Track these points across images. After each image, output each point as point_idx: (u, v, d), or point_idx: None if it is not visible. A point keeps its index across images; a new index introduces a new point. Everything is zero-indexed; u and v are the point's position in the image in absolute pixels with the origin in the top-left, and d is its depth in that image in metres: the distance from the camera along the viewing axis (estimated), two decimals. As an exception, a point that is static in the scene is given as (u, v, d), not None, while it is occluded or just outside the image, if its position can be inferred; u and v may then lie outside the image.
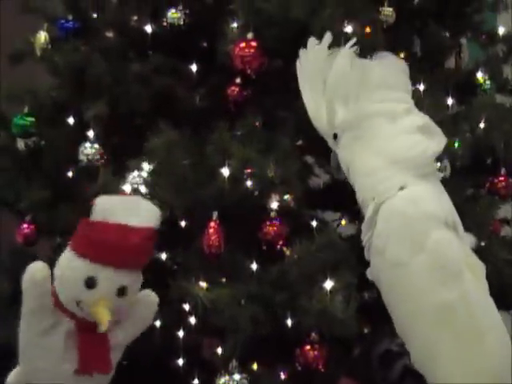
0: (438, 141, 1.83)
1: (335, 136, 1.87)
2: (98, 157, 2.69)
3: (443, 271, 1.70)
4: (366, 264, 1.89)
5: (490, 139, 2.80)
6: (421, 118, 1.83)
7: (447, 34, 3.02)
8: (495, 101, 2.88)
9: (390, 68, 1.86)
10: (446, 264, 1.71)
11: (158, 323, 2.68)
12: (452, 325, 1.70)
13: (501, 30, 3.04)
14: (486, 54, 2.99)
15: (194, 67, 2.85)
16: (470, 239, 1.83)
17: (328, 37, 1.87)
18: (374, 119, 1.82)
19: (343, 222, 3.04)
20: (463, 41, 3.11)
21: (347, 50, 1.84)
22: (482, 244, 2.68)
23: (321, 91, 1.86)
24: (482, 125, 2.78)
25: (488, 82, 2.91)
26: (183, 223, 2.61)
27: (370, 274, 1.82)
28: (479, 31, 3.06)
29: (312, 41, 1.87)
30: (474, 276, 1.76)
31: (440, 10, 3.02)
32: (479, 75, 2.91)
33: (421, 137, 1.80)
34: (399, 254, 1.72)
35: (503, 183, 2.80)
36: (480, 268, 1.81)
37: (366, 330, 2.62)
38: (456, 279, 1.71)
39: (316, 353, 2.47)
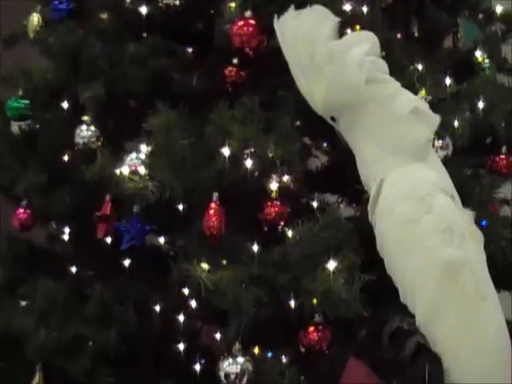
0: (430, 122, 1.78)
1: (333, 119, 1.79)
2: (95, 139, 2.58)
3: (449, 231, 1.71)
4: (370, 244, 1.86)
5: (491, 118, 2.72)
6: (410, 101, 1.77)
7: (444, 14, 2.94)
8: (495, 80, 2.79)
9: (371, 46, 1.73)
10: (452, 226, 1.71)
11: (157, 308, 2.61)
12: (457, 282, 1.70)
13: (498, 9, 2.95)
14: (483, 33, 2.90)
15: (190, 48, 2.75)
16: (469, 213, 1.82)
17: (311, 11, 1.73)
18: (364, 104, 1.73)
19: (341, 204, 2.95)
20: (460, 21, 3.02)
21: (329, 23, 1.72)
22: (484, 224, 2.62)
23: (297, 70, 1.75)
24: (481, 104, 2.72)
25: (487, 61, 2.82)
26: (182, 206, 2.52)
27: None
28: (476, 10, 2.97)
29: (291, 12, 1.75)
30: (474, 243, 1.76)
31: (437, -10, 2.94)
32: (478, 54, 2.82)
33: (413, 121, 1.75)
34: (408, 212, 1.71)
35: (504, 162, 2.73)
36: (480, 237, 1.81)
37: (369, 312, 2.53)
38: (461, 241, 1.72)
39: (320, 334, 2.39)
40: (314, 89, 1.73)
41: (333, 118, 1.79)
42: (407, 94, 1.79)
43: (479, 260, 1.77)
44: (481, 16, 2.96)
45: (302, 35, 1.72)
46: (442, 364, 1.73)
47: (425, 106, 1.79)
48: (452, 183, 1.83)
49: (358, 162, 1.80)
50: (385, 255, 1.80)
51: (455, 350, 1.72)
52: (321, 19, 1.73)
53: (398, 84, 1.78)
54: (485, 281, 1.77)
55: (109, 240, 2.60)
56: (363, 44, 1.72)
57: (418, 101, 1.81)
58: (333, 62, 1.69)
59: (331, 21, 1.72)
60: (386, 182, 1.75)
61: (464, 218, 1.79)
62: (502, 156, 2.73)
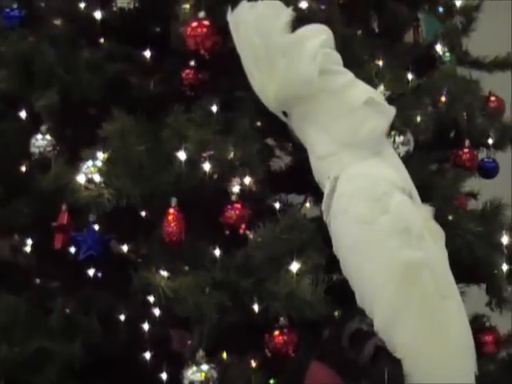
0: (386, 113, 1.72)
1: (285, 114, 1.74)
2: (51, 148, 2.51)
3: (407, 232, 1.64)
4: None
5: (453, 112, 2.68)
6: (364, 92, 1.71)
7: (404, 8, 2.89)
8: (456, 73, 2.75)
9: (325, 38, 1.68)
10: (409, 226, 1.65)
11: (122, 317, 2.54)
12: (417, 285, 1.64)
13: (458, 2, 2.90)
14: (444, 26, 2.85)
15: (147, 52, 2.68)
16: (428, 208, 1.75)
17: (265, 3, 1.66)
18: (316, 96, 1.67)
19: (307, 204, 2.90)
20: (420, 15, 2.98)
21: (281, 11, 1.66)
22: (450, 217, 2.57)
23: (254, 63, 1.69)
24: (443, 98, 2.67)
25: (447, 55, 2.77)
26: (143, 212, 2.46)
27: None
28: (436, 4, 2.93)
29: (245, 4, 1.68)
30: (435, 241, 1.70)
31: (396, -16, 2.89)
32: (438, 48, 2.77)
33: (368, 111, 1.68)
34: (364, 213, 1.64)
35: (468, 155, 2.68)
36: (440, 234, 1.75)
37: (336, 313, 2.48)
38: (420, 241, 1.66)
39: (285, 338, 2.33)
40: (267, 82, 1.67)
41: (285, 114, 1.73)
42: (362, 84, 1.73)
43: (439, 259, 1.71)
44: (441, 9, 2.92)
45: (256, 27, 1.66)
46: (401, 366, 1.69)
47: (380, 97, 1.74)
48: (410, 179, 1.77)
49: (311, 158, 1.74)
50: (340, 257, 1.73)
51: (416, 353, 1.66)
52: (276, 11, 1.67)
53: (351, 75, 1.71)
54: (446, 280, 1.71)
55: (72, 250, 2.54)
56: (317, 36, 1.66)
57: (373, 92, 1.75)
58: (286, 54, 1.64)
59: (286, 13, 1.67)
60: (340, 180, 1.68)
61: (423, 215, 1.73)
62: (466, 150, 2.69)
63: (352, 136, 1.68)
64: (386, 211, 1.65)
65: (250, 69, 1.72)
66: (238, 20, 1.70)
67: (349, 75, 1.71)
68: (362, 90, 1.71)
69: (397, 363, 1.68)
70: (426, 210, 1.75)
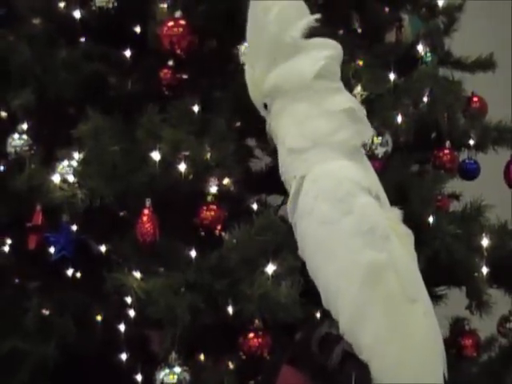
0: (363, 130, 1.70)
1: (265, 106, 1.73)
2: (27, 148, 2.46)
3: (371, 233, 1.61)
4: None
5: (434, 112, 2.62)
6: (347, 101, 1.69)
7: (386, 9, 2.83)
8: (437, 73, 2.69)
9: (334, 53, 1.70)
10: (373, 227, 1.62)
11: (98, 317, 2.49)
12: (381, 286, 1.60)
13: (440, 2, 2.84)
14: (426, 26, 2.79)
15: (125, 52, 2.62)
16: (397, 211, 1.71)
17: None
18: (302, 92, 1.66)
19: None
20: (404, 15, 2.91)
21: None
22: (430, 220, 2.51)
23: (261, 52, 1.68)
24: (425, 98, 2.61)
25: (429, 55, 2.71)
26: (117, 212, 2.41)
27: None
28: (419, 4, 2.86)
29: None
30: (402, 243, 1.66)
31: (378, -16, 2.83)
32: (420, 48, 2.71)
33: (345, 121, 1.67)
34: (328, 213, 1.61)
35: (448, 156, 2.62)
36: (408, 237, 1.70)
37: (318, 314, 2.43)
38: (384, 242, 1.62)
39: (260, 340, 2.26)
40: (266, 70, 1.67)
41: (266, 107, 1.71)
42: (348, 95, 1.73)
43: (407, 261, 1.66)
44: (423, 9, 2.86)
45: (278, 17, 1.65)
46: (369, 371, 1.63)
47: (362, 113, 1.71)
48: (378, 181, 1.73)
49: (280, 151, 1.71)
50: (306, 258, 1.70)
51: (381, 355, 1.62)
52: (301, 12, 1.68)
53: (341, 85, 1.71)
54: (414, 283, 1.66)
55: (52, 250, 2.49)
56: (328, 49, 1.68)
57: (357, 105, 1.72)
58: (295, 51, 1.65)
59: (309, 19, 1.68)
60: (306, 179, 1.65)
61: (391, 218, 1.69)
62: (446, 151, 2.62)
63: (323, 137, 1.66)
64: (350, 212, 1.62)
65: (252, 55, 1.73)
66: (259, 11, 1.68)
67: (339, 84, 1.71)
68: (345, 99, 1.70)
69: (364, 367, 1.64)
70: (395, 213, 1.70)
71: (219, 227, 2.33)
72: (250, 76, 1.73)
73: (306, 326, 2.21)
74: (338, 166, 1.64)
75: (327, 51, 1.67)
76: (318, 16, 1.68)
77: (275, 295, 2.21)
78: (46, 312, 2.48)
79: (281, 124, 1.69)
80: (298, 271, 2.27)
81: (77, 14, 2.61)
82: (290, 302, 2.21)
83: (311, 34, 1.71)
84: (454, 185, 2.80)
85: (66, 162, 2.34)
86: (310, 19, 1.67)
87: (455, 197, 2.87)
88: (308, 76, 1.65)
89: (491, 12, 3.54)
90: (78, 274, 2.54)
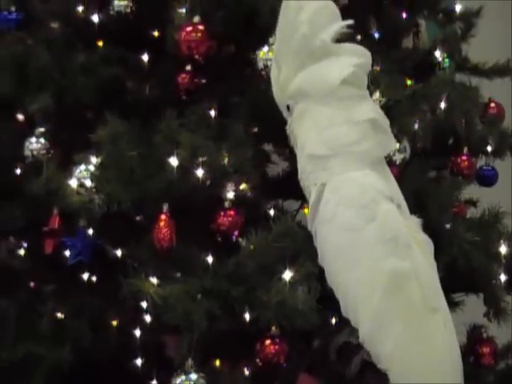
0: (386, 141, 1.65)
1: (288, 108, 1.67)
2: (45, 152, 2.43)
3: (395, 241, 1.57)
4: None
5: (451, 118, 2.57)
6: (371, 111, 1.64)
7: (404, 14, 2.78)
8: (454, 79, 2.64)
9: (364, 61, 1.65)
10: (396, 235, 1.58)
11: (113, 322, 2.46)
12: (403, 295, 1.57)
13: (458, 8, 2.80)
14: (443, 32, 2.75)
15: (143, 56, 2.59)
16: (416, 220, 1.67)
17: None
18: (326, 98, 1.61)
19: (305, 210, 2.80)
20: (421, 20, 2.87)
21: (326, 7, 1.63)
22: (447, 226, 2.47)
23: (290, 53, 1.63)
24: (442, 104, 2.57)
25: (447, 61, 2.66)
26: (135, 218, 2.37)
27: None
28: (436, 9, 2.82)
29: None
30: (422, 252, 1.62)
31: (396, -10, 2.79)
32: (437, 54, 2.66)
33: (368, 131, 1.62)
34: (352, 220, 1.57)
35: (466, 163, 2.57)
36: (429, 246, 1.67)
37: (331, 321, 2.38)
38: (407, 251, 1.58)
39: (277, 347, 2.21)
40: (294, 72, 1.63)
41: (289, 109, 1.66)
42: (372, 104, 1.69)
43: (427, 270, 1.62)
44: (440, 15, 2.81)
45: (311, 18, 1.62)
46: (388, 381, 1.59)
47: (386, 123, 1.66)
48: (399, 190, 1.69)
49: (300, 156, 1.66)
50: (325, 266, 1.66)
51: (401, 365, 1.58)
52: (334, 16, 1.65)
53: (367, 94, 1.67)
54: (434, 292, 1.62)
55: (67, 253, 2.46)
56: (358, 56, 1.64)
57: (382, 115, 1.67)
58: (325, 54, 1.61)
59: (340, 24, 1.64)
60: (327, 187, 1.61)
61: (411, 227, 1.65)
62: (464, 157, 2.58)
63: (345, 146, 1.61)
64: (374, 219, 1.58)
65: (280, 55, 1.67)
66: (291, 11, 1.64)
67: (365, 92, 1.66)
68: (370, 108, 1.65)
69: (383, 377, 1.60)
70: (415, 222, 1.66)
71: (236, 233, 2.29)
72: (276, 76, 1.68)
73: (323, 334, 2.17)
74: (362, 174, 1.60)
75: (357, 58, 1.62)
76: (349, 22, 1.64)
77: (292, 302, 2.16)
78: (61, 316, 2.45)
79: (302, 128, 1.65)
80: (315, 277, 2.24)
81: (95, 18, 2.58)
82: (307, 309, 2.17)
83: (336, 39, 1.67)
84: (471, 191, 2.76)
85: (83, 167, 2.30)
86: (341, 24, 1.63)
87: (472, 203, 2.82)
88: (334, 81, 1.60)
89: (508, 18, 3.49)
90: (94, 278, 2.51)
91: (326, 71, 1.62)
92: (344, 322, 1.69)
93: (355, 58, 1.62)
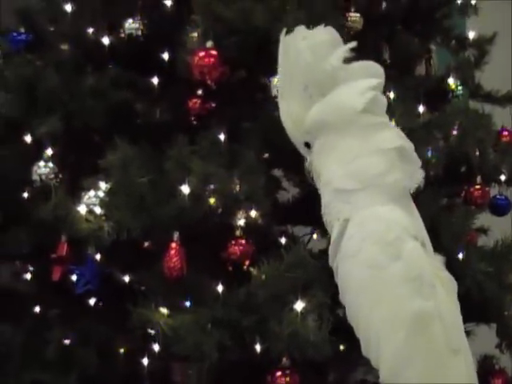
0: (413, 171, 1.54)
1: (307, 145, 1.55)
2: (53, 176, 2.35)
3: (419, 280, 1.48)
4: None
5: (464, 147, 2.51)
6: (397, 138, 1.52)
7: (416, 40, 2.72)
8: (468, 107, 2.58)
9: (379, 82, 1.53)
10: (421, 273, 1.48)
11: (121, 350, 2.39)
12: (426, 336, 1.47)
13: (471, 35, 2.74)
14: (456, 59, 2.69)
15: (154, 79, 2.53)
16: (440, 258, 1.57)
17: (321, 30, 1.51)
18: (349, 128, 1.50)
19: (315, 235, 2.73)
20: (433, 47, 2.81)
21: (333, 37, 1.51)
22: (460, 256, 2.40)
23: (296, 86, 1.52)
24: (455, 132, 2.51)
25: (460, 88, 2.60)
26: (144, 244, 2.30)
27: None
28: (449, 36, 2.76)
29: (300, 28, 1.52)
30: (446, 292, 1.53)
31: (408, 16, 2.72)
32: (451, 81, 2.60)
33: (396, 161, 1.50)
34: (377, 257, 1.47)
35: (479, 192, 2.51)
36: (452, 284, 1.57)
37: (341, 350, 2.31)
38: (431, 290, 1.49)
39: (288, 379, 2.15)
40: (306, 107, 1.52)
41: (307, 145, 1.55)
42: (396, 131, 1.56)
43: (451, 311, 1.53)
44: (453, 42, 2.75)
45: (313, 48, 1.50)
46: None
47: (413, 152, 1.53)
48: (424, 227, 1.60)
49: (325, 191, 1.54)
50: (347, 302, 1.56)
51: None
52: (336, 41, 1.52)
53: (388, 119, 1.54)
54: (457, 333, 1.53)
55: (73, 278, 2.38)
56: (373, 77, 1.51)
57: (408, 143, 1.54)
58: (337, 81, 1.49)
59: (345, 48, 1.51)
60: (352, 222, 1.51)
61: (434, 265, 1.57)
62: (477, 186, 2.51)
63: (374, 178, 1.50)
64: (399, 257, 1.48)
65: (286, 89, 1.55)
66: (292, 41, 1.53)
67: (386, 119, 1.55)
68: (395, 136, 1.53)
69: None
70: (438, 260, 1.59)
71: (247, 262, 2.22)
72: (286, 112, 1.56)
73: (338, 368, 2.10)
74: (387, 210, 1.51)
75: (373, 80, 1.50)
76: (353, 44, 1.51)
77: (304, 333, 2.10)
78: (67, 342, 2.38)
79: (325, 163, 1.53)
80: (327, 308, 2.17)
81: (105, 40, 2.53)
82: (320, 340, 2.10)
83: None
84: (482, 219, 2.69)
85: (92, 193, 2.24)
86: (347, 47, 1.51)
87: (483, 231, 2.76)
88: (355, 109, 1.49)
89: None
90: (101, 304, 2.44)
91: (343, 98, 1.51)
92: (359, 357, 1.63)
93: (372, 80, 1.50)
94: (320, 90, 1.52)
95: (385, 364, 1.51)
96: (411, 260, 1.50)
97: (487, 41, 2.75)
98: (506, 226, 2.68)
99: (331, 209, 1.55)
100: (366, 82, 1.50)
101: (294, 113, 1.56)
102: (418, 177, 1.57)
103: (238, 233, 2.22)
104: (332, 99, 1.52)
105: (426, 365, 1.49)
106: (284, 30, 1.53)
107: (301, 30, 1.54)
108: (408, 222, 1.53)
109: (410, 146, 1.54)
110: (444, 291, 1.55)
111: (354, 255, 1.51)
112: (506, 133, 2.67)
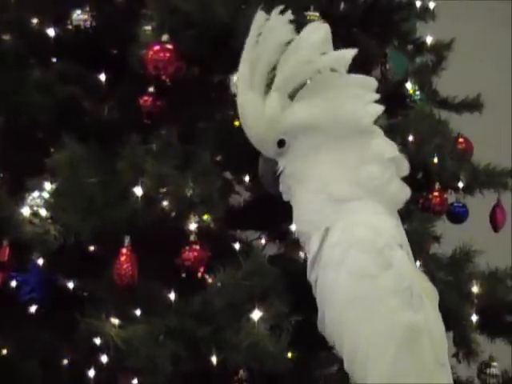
0: (404, 184, 1.46)
1: (281, 143, 1.43)
2: (-6, 175, 2.18)
3: (409, 291, 1.39)
4: (297, 290, 1.52)
5: (422, 153, 2.43)
6: (393, 148, 1.45)
7: (373, 43, 2.63)
8: (426, 112, 2.50)
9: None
10: (410, 284, 1.39)
11: (65, 361, 2.21)
12: (417, 350, 1.39)
13: (429, 40, 2.66)
14: (413, 63, 2.61)
15: (102, 75, 2.37)
16: (419, 269, 1.50)
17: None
18: (349, 133, 1.40)
19: (262, 240, 2.61)
20: (388, 51, 2.73)
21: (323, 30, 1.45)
22: (417, 264, 2.31)
23: (263, 71, 1.40)
24: (412, 137, 2.42)
25: (418, 93, 2.52)
26: (92, 248, 2.14)
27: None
28: (406, 40, 2.68)
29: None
30: (430, 302, 1.45)
31: (366, 18, 2.63)
32: (409, 86, 2.52)
33: (394, 172, 1.43)
34: (366, 265, 1.37)
35: (438, 199, 2.43)
36: (435, 295, 1.49)
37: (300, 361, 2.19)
38: (420, 301, 1.41)
39: (245, 392, 2.04)
40: (286, 99, 1.41)
41: (280, 144, 1.42)
42: (392, 143, 1.47)
43: (437, 323, 1.45)
44: (411, 46, 2.67)
45: (311, 46, 1.43)
46: None
47: (405, 161, 1.46)
48: (406, 239, 1.50)
49: (310, 197, 1.43)
50: (329, 316, 1.42)
51: None
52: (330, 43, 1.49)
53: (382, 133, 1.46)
54: (443, 346, 1.45)
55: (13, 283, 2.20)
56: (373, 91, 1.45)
57: (401, 157, 1.46)
58: (330, 84, 1.42)
59: (350, 52, 1.49)
60: (333, 229, 1.40)
61: (419, 275, 1.48)
62: (436, 193, 2.43)
63: (378, 187, 1.42)
64: (390, 265, 1.38)
65: (250, 82, 1.41)
66: (267, 17, 1.41)
67: (380, 132, 1.46)
68: (390, 145, 1.45)
69: None
70: (419, 270, 1.50)
71: (202, 269, 2.08)
72: (252, 104, 1.41)
73: (298, 381, 1.98)
74: (376, 217, 1.40)
75: (375, 95, 1.43)
76: (355, 51, 1.47)
77: (263, 343, 1.97)
78: (7, 353, 2.19)
79: (315, 167, 1.42)
80: (285, 317, 2.05)
81: (51, 31, 2.36)
82: (279, 351, 1.98)
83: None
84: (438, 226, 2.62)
85: (36, 193, 2.06)
86: (350, 52, 1.48)
87: (436, 238, 2.68)
88: (360, 123, 1.40)
89: (479, 52, 3.39)
90: (44, 312, 2.26)
91: (348, 109, 1.41)
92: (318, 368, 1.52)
93: (375, 95, 1.43)
94: (317, 91, 1.40)
95: (373, 378, 1.40)
96: (401, 270, 1.39)
97: (445, 46, 2.68)
98: (456, 234, 2.61)
99: (316, 217, 1.42)
100: (369, 94, 1.43)
101: (272, 109, 1.42)
102: (408, 191, 1.47)
103: (192, 238, 2.08)
104: (331, 106, 1.41)
105: (415, 379, 1.39)
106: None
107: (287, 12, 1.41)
108: (395, 231, 1.43)
109: (402, 156, 1.46)
110: (429, 302, 1.46)
111: (340, 263, 1.39)
112: (461, 139, 2.61)
